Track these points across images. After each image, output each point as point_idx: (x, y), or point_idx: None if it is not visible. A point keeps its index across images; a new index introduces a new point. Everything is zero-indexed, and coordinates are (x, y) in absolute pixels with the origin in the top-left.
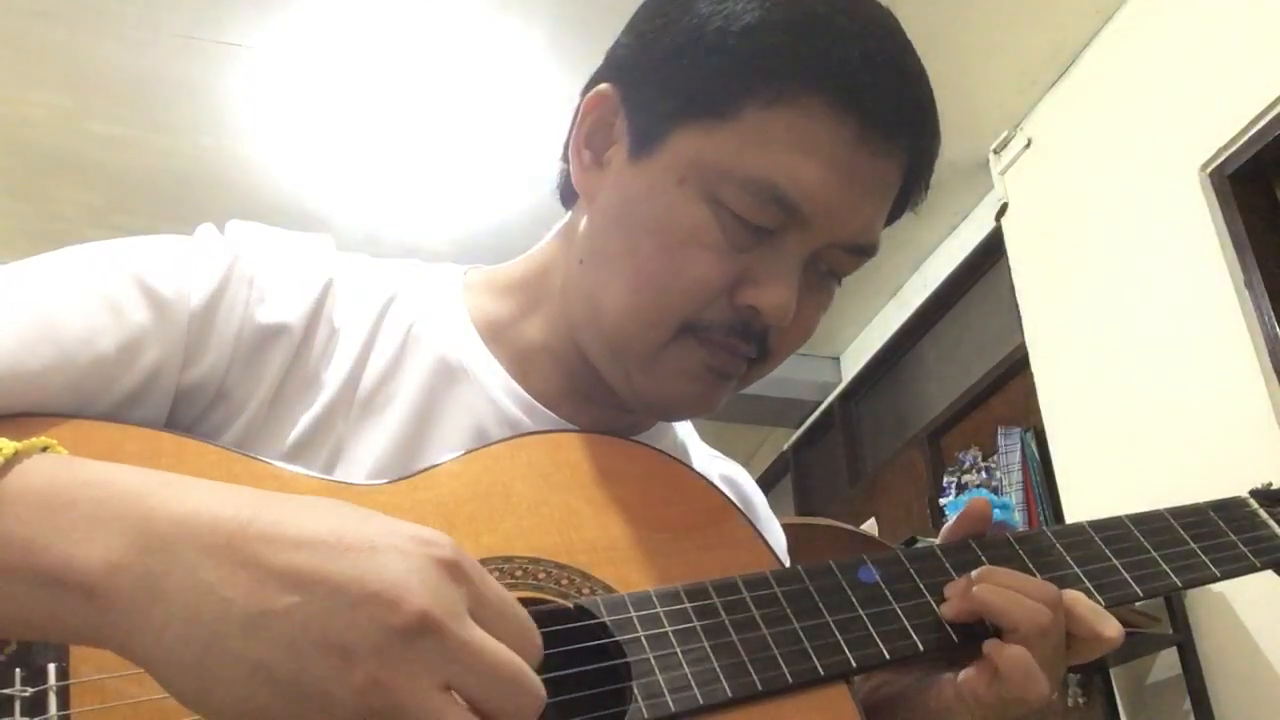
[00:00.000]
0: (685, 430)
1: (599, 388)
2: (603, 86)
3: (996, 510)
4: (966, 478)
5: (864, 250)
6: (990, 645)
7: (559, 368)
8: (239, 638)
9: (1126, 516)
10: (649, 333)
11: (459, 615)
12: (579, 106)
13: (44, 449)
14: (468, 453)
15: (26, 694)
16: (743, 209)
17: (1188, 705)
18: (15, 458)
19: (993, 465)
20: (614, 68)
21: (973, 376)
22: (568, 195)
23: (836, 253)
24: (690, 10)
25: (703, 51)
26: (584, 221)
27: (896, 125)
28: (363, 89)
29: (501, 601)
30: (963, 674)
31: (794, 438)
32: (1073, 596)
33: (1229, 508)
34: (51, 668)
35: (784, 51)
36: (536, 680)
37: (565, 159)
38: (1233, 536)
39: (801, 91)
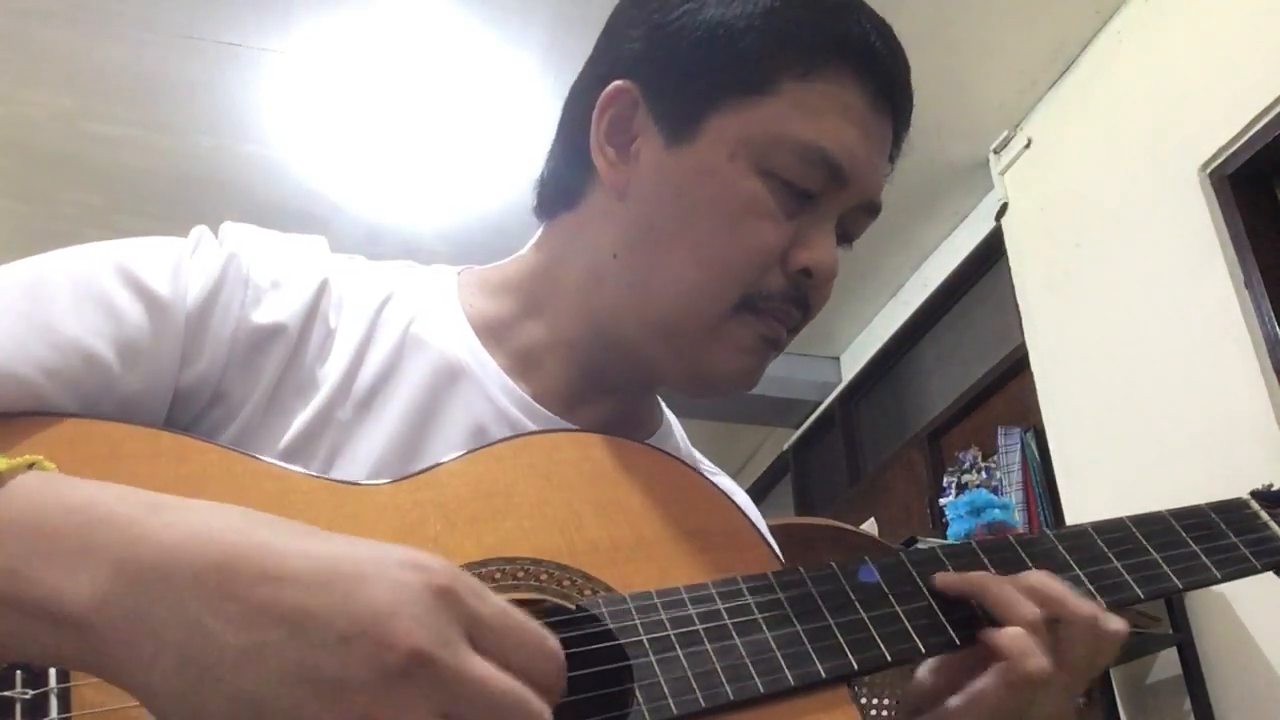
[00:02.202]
0: (685, 438)
1: (611, 382)
2: (619, 83)
3: (996, 510)
4: (966, 478)
5: (876, 209)
6: (984, 632)
7: (568, 364)
8: (229, 671)
9: (1128, 518)
10: (710, 309)
11: (453, 645)
12: (595, 107)
13: (30, 465)
14: (469, 452)
15: (28, 696)
16: (793, 174)
17: (1188, 705)
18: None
19: (993, 465)
20: (626, 63)
21: (973, 376)
22: (552, 202)
23: (856, 213)
24: (706, 0)
25: (733, 34)
26: (612, 216)
27: (897, 89)
28: (363, 88)
29: (504, 620)
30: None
31: (794, 438)
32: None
33: (1230, 509)
34: (52, 670)
35: (810, 26)
36: (537, 703)
37: (555, 165)
38: (1234, 538)
39: (830, 61)
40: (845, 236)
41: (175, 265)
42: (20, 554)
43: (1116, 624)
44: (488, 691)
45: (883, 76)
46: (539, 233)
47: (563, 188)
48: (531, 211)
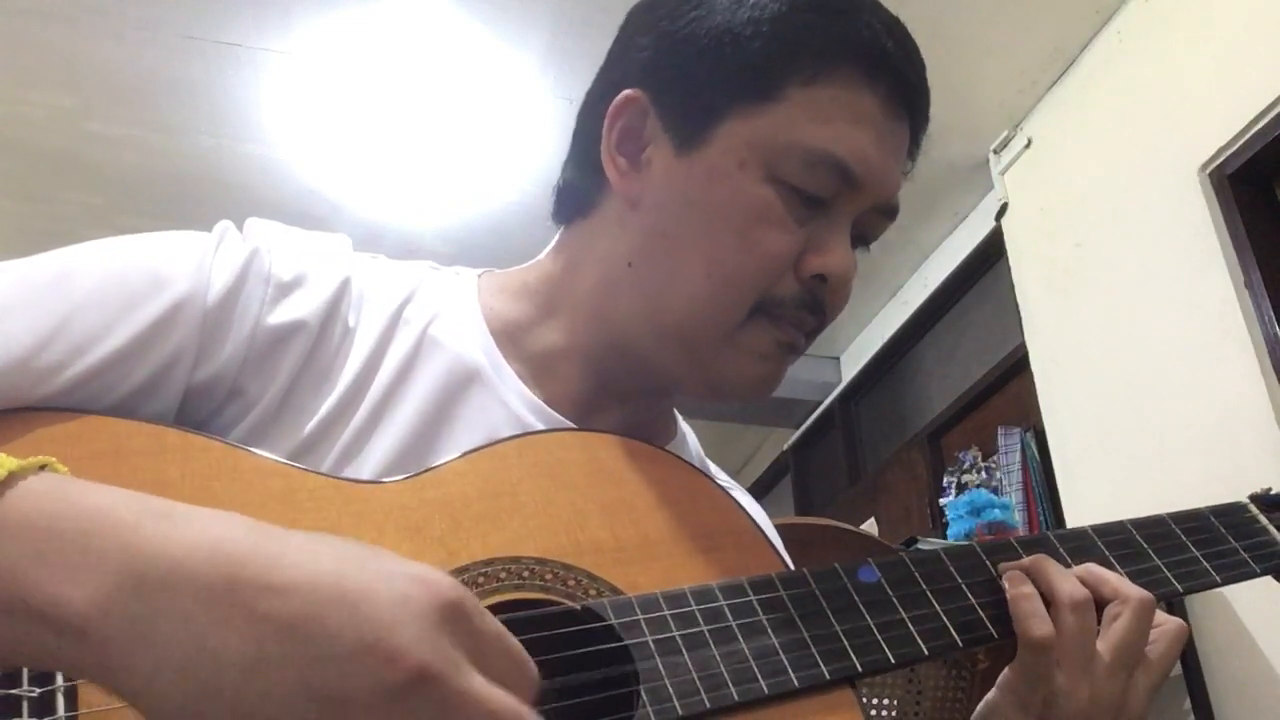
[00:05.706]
0: (699, 448)
1: (626, 390)
2: (629, 92)
3: (996, 510)
4: (966, 478)
5: (893, 211)
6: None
7: (584, 371)
8: (232, 686)
9: (1129, 521)
10: (725, 316)
11: (457, 664)
12: (604, 115)
13: (41, 467)
14: (475, 451)
15: (35, 694)
16: (803, 181)
17: (1188, 705)
18: (9, 480)
19: (993, 465)
20: (636, 72)
21: (973, 376)
22: (568, 209)
23: (873, 216)
24: (714, 7)
25: (740, 41)
26: (626, 225)
27: (911, 89)
28: (363, 88)
29: (499, 639)
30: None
31: (794, 438)
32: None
33: (1229, 513)
34: None
35: (818, 30)
36: None
37: (570, 173)
38: (1233, 542)
39: (838, 65)
40: (862, 239)
41: (198, 260)
42: (25, 557)
43: (1172, 620)
44: (489, 710)
45: (895, 77)
46: (557, 237)
47: (577, 196)
48: (550, 217)
